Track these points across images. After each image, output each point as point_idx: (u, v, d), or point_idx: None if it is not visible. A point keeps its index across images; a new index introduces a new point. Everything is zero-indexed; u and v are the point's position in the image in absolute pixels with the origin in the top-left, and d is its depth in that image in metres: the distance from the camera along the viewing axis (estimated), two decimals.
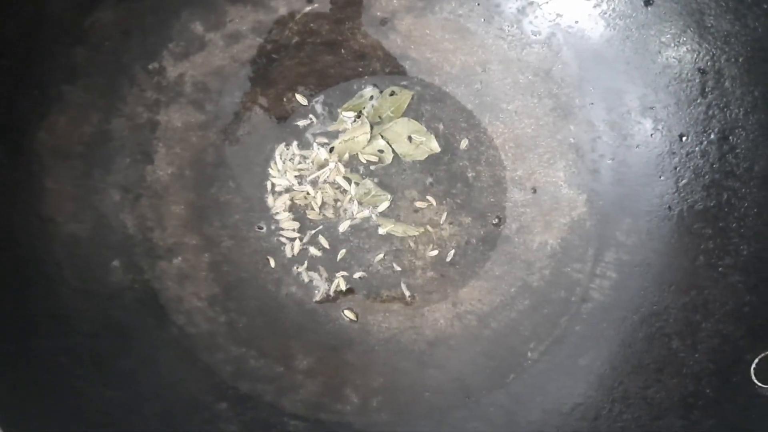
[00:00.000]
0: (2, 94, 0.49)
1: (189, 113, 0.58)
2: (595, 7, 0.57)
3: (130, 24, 0.55)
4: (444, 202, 0.59)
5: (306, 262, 0.58)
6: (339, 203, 0.59)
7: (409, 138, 0.59)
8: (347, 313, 0.57)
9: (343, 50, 0.60)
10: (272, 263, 0.58)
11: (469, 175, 0.59)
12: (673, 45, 0.54)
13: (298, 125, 0.59)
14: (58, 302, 0.50)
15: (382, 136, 0.58)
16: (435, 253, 0.58)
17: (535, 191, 0.59)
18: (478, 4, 0.59)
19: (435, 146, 0.59)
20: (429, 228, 0.58)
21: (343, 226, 0.58)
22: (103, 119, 0.55)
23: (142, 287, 0.55)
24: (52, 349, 0.48)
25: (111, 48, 0.54)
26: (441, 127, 0.59)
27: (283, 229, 0.58)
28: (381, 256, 0.58)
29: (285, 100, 0.59)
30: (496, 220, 0.59)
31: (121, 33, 0.55)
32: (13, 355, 0.47)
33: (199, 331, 0.55)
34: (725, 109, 0.52)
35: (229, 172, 0.58)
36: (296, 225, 0.58)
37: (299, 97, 0.59)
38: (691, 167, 0.54)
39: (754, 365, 0.46)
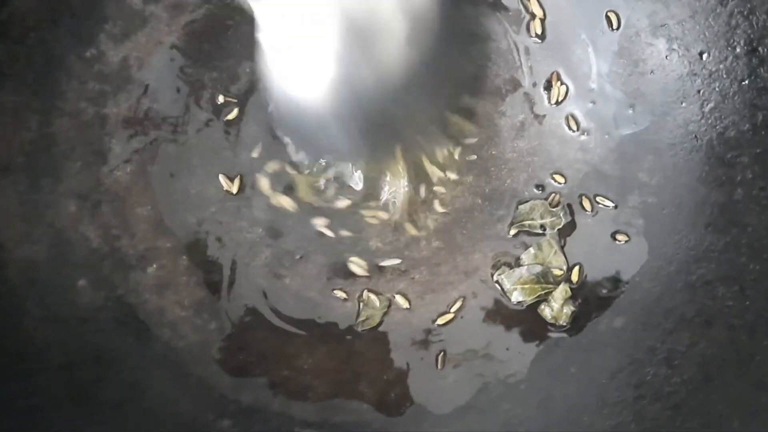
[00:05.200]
0: None
1: (141, 101, 0.51)
2: None
3: (55, 9, 0.48)
4: None
5: (300, 249, 0.52)
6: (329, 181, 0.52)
7: None
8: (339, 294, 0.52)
9: None
10: (262, 255, 0.52)
11: None
12: None
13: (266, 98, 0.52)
14: (22, 337, 0.44)
15: None
16: (439, 218, 0.52)
17: (541, 136, 0.52)
18: None
19: None
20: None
21: (341, 203, 0.52)
22: (43, 122, 0.48)
23: (117, 304, 0.49)
24: (22, 391, 0.43)
25: (38, 39, 0.48)
26: None
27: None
28: (378, 230, 0.52)
29: (248, 70, 0.52)
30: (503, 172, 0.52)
31: (47, 21, 0.48)
32: None
33: (188, 343, 0.50)
34: (750, 16, 0.45)
35: (197, 161, 0.52)
36: (293, 205, 0.52)
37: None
38: (717, 88, 0.47)
39: None
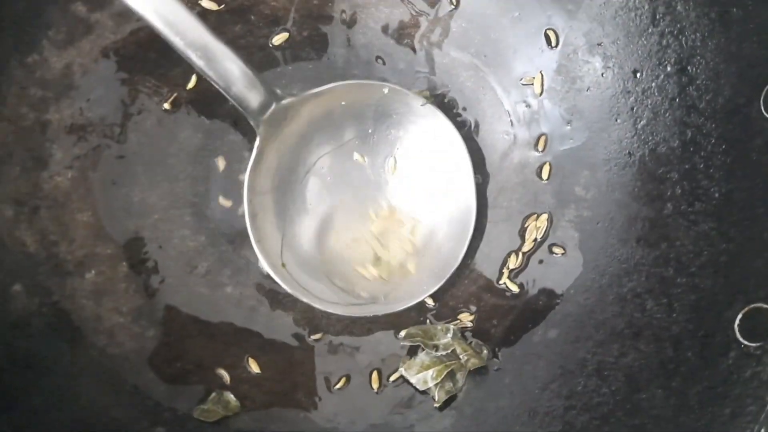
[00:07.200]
0: None
1: (84, 107, 0.51)
2: None
3: None
4: None
5: (242, 258, 0.52)
6: None
7: None
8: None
9: (252, 16, 0.53)
10: (204, 264, 0.52)
11: None
12: None
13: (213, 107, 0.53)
14: None
15: None
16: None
17: (481, 150, 0.53)
18: None
19: None
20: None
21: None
22: None
23: (52, 310, 0.48)
24: None
25: None
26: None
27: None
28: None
29: (195, 82, 0.53)
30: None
31: None
32: None
33: (124, 351, 0.50)
34: (680, 37, 0.47)
35: (140, 169, 0.52)
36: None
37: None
38: (649, 105, 0.48)
39: (737, 321, 0.41)
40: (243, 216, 0.51)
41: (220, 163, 0.52)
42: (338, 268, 0.52)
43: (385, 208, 0.52)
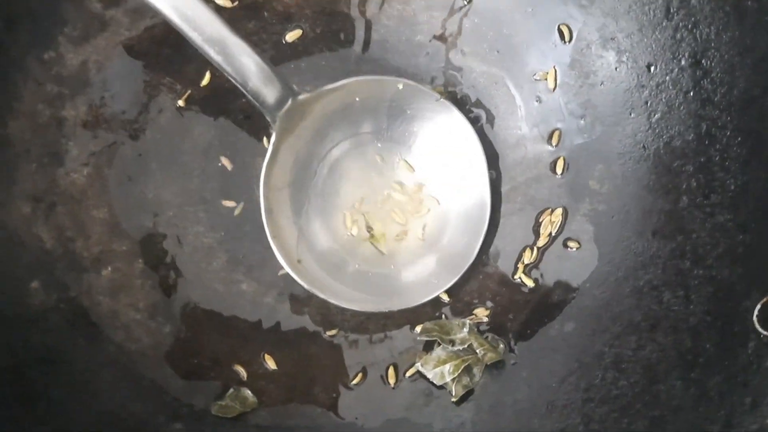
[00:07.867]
0: None
1: (100, 104, 0.51)
2: None
3: (13, 10, 0.48)
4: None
5: (257, 254, 0.52)
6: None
7: None
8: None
9: (266, 13, 0.53)
10: (219, 260, 0.52)
11: None
12: None
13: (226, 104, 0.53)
14: None
15: None
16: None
17: (494, 145, 0.53)
18: None
19: None
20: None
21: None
22: None
23: (69, 306, 0.49)
24: None
25: None
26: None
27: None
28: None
29: (209, 78, 0.53)
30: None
31: (4, 22, 0.48)
32: None
33: (141, 346, 0.50)
34: (694, 30, 0.47)
35: (155, 165, 0.52)
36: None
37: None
38: (664, 99, 0.49)
39: (756, 312, 0.42)
40: (256, 213, 0.51)
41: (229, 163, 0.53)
42: (354, 263, 0.52)
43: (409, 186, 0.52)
